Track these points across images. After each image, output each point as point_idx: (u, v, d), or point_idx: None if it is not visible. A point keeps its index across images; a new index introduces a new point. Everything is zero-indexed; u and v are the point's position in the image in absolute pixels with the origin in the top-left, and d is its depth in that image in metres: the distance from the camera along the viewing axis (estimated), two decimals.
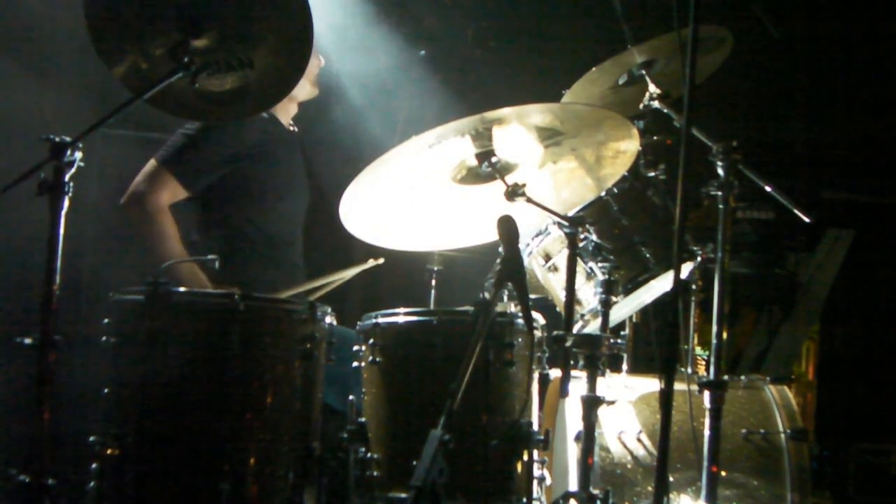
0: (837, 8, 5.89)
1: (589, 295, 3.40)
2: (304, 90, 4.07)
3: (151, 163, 3.83)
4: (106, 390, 2.87)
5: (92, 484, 2.83)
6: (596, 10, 4.67)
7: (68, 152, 2.68)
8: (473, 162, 3.09)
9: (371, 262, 3.96)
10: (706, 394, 2.97)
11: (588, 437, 3.00)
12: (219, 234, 3.90)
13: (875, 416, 5.88)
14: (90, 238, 4.59)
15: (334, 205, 3.11)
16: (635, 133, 3.12)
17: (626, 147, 3.16)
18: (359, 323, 3.17)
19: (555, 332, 3.03)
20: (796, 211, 3.30)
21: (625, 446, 3.48)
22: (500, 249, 2.66)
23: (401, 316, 3.05)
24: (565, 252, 3.10)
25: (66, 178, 2.69)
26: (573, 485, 3.20)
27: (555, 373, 3.18)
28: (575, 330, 3.31)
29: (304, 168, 4.20)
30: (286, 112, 4.12)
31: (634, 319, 3.93)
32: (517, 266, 2.61)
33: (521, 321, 2.96)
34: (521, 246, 3.52)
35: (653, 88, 3.71)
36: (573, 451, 3.37)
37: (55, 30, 4.38)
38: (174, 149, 3.83)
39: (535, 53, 5.79)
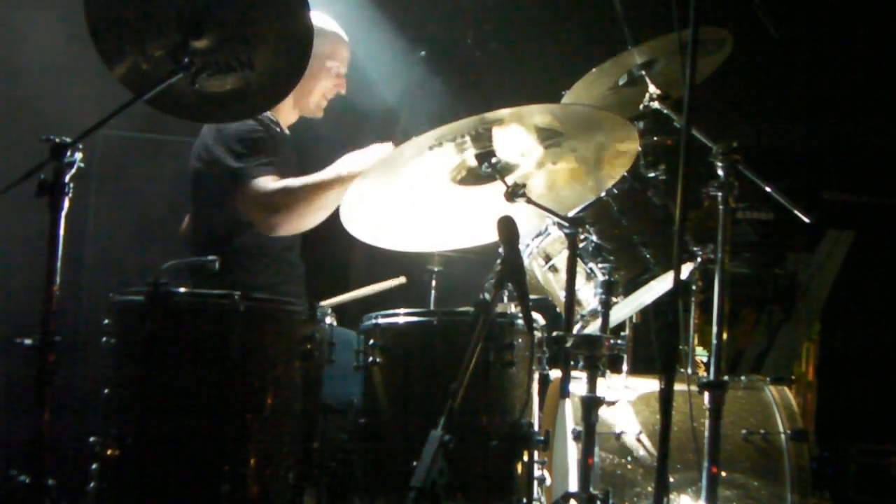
0: (837, 8, 5.89)
1: (589, 295, 3.40)
2: (310, 108, 4.05)
3: (264, 179, 3.63)
4: (106, 391, 2.87)
5: (92, 484, 2.84)
6: (596, 11, 4.66)
7: (68, 153, 2.68)
8: (473, 163, 3.09)
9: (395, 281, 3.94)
10: (706, 394, 2.97)
11: (588, 437, 3.00)
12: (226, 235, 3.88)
13: (875, 417, 5.88)
14: (90, 238, 4.59)
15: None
16: (635, 134, 3.12)
17: (626, 148, 3.16)
18: (359, 324, 3.17)
19: (555, 333, 3.03)
20: (796, 211, 3.29)
21: (625, 446, 3.48)
22: (500, 250, 2.66)
23: (401, 316, 3.05)
24: (565, 253, 3.10)
25: (66, 178, 2.69)
26: (573, 485, 3.20)
27: (555, 373, 3.18)
28: (575, 330, 3.31)
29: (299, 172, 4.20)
30: (287, 120, 4.11)
31: (634, 320, 3.93)
32: (517, 267, 2.60)
33: (521, 322, 2.96)
34: (521, 246, 3.52)
35: (653, 89, 3.71)
36: (573, 452, 3.37)
37: (56, 29, 4.38)
38: (249, 152, 3.69)
39: (535, 54, 5.78)
